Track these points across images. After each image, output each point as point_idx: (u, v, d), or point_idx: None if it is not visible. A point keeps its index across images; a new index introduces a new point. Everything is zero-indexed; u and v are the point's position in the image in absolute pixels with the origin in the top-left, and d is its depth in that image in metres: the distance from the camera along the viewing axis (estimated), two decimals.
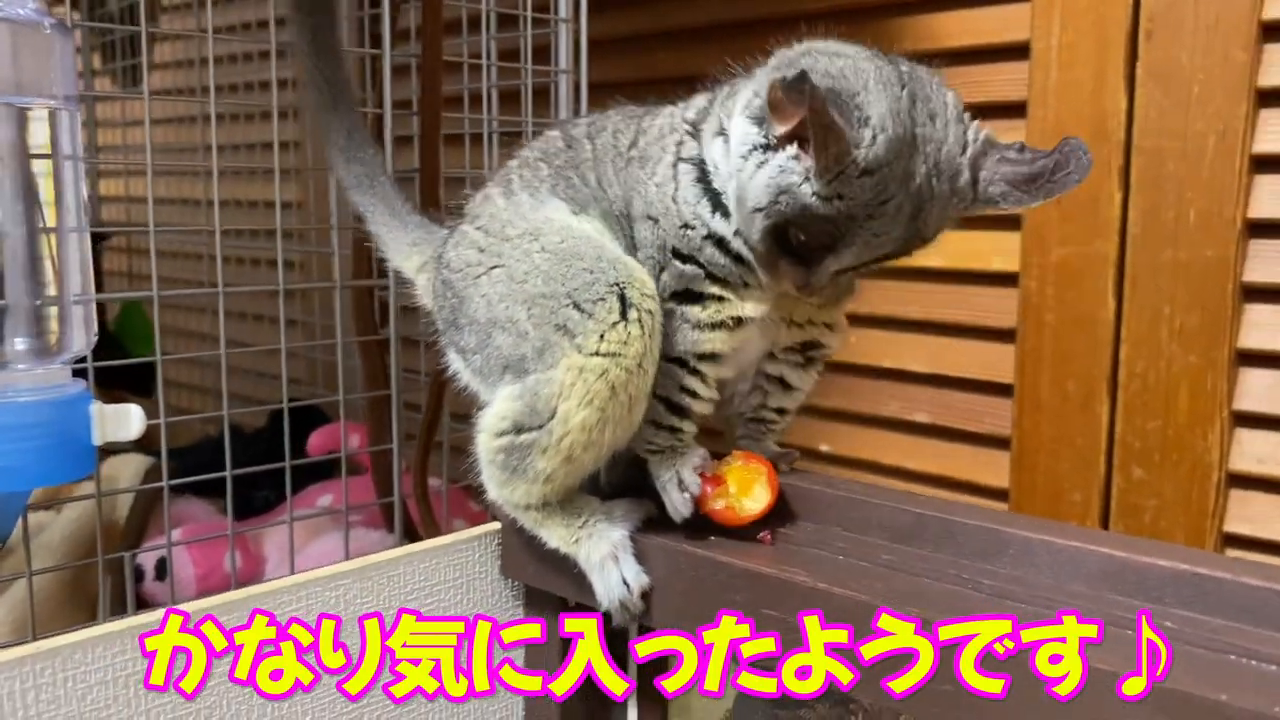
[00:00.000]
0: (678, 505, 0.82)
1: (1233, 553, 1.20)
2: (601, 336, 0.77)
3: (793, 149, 0.72)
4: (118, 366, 1.06)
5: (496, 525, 0.93)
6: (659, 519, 0.84)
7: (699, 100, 0.86)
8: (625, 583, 0.81)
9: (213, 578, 1.23)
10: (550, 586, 0.89)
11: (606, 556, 0.81)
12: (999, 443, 1.36)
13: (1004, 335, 1.34)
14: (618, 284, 0.78)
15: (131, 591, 1.18)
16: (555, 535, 0.84)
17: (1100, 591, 0.68)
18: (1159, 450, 1.22)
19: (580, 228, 0.83)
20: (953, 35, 1.34)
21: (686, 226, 0.80)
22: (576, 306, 0.78)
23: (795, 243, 0.75)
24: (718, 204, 0.80)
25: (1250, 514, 1.18)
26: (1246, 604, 0.63)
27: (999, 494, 1.35)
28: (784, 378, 0.91)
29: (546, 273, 0.80)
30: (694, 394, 0.83)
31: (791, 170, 0.72)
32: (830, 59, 0.74)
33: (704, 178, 0.80)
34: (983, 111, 1.29)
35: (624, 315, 0.78)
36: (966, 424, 1.39)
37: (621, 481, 0.88)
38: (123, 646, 0.73)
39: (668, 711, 0.93)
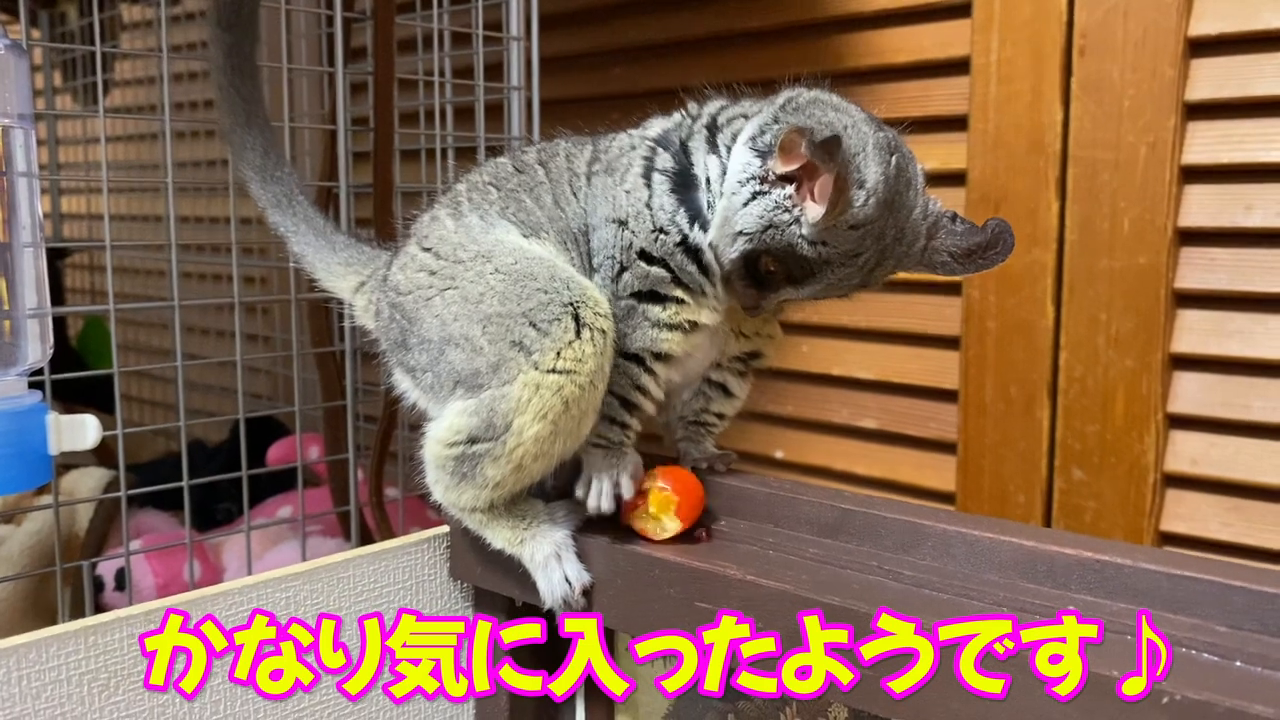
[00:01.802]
0: (603, 502, 0.85)
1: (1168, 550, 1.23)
2: (558, 354, 0.80)
3: (789, 189, 0.78)
4: (80, 384, 1.08)
5: (445, 529, 0.95)
6: (599, 519, 0.87)
7: (659, 122, 0.90)
8: (568, 580, 0.83)
9: (173, 587, 1.25)
10: (497, 587, 0.91)
11: (550, 556, 0.84)
12: (945, 447, 1.39)
13: (948, 342, 1.37)
14: (572, 304, 0.81)
15: (90, 602, 1.20)
16: (500, 536, 0.86)
17: (1012, 579, 0.71)
18: (1098, 452, 1.25)
19: (532, 250, 0.85)
20: (896, 51, 1.38)
21: (660, 231, 0.84)
22: (533, 325, 0.80)
23: (763, 270, 0.81)
24: (696, 215, 0.84)
25: (1185, 513, 1.22)
26: (1141, 587, 0.66)
27: (946, 497, 1.39)
28: (726, 385, 0.95)
29: (502, 293, 0.82)
30: (646, 392, 0.86)
31: (784, 208, 0.78)
32: (838, 115, 0.80)
33: (679, 188, 0.84)
34: (926, 125, 1.35)
35: (578, 334, 0.80)
36: (913, 429, 1.42)
37: (565, 485, 0.91)
38: (76, 646, 0.74)
39: (614, 708, 0.96)
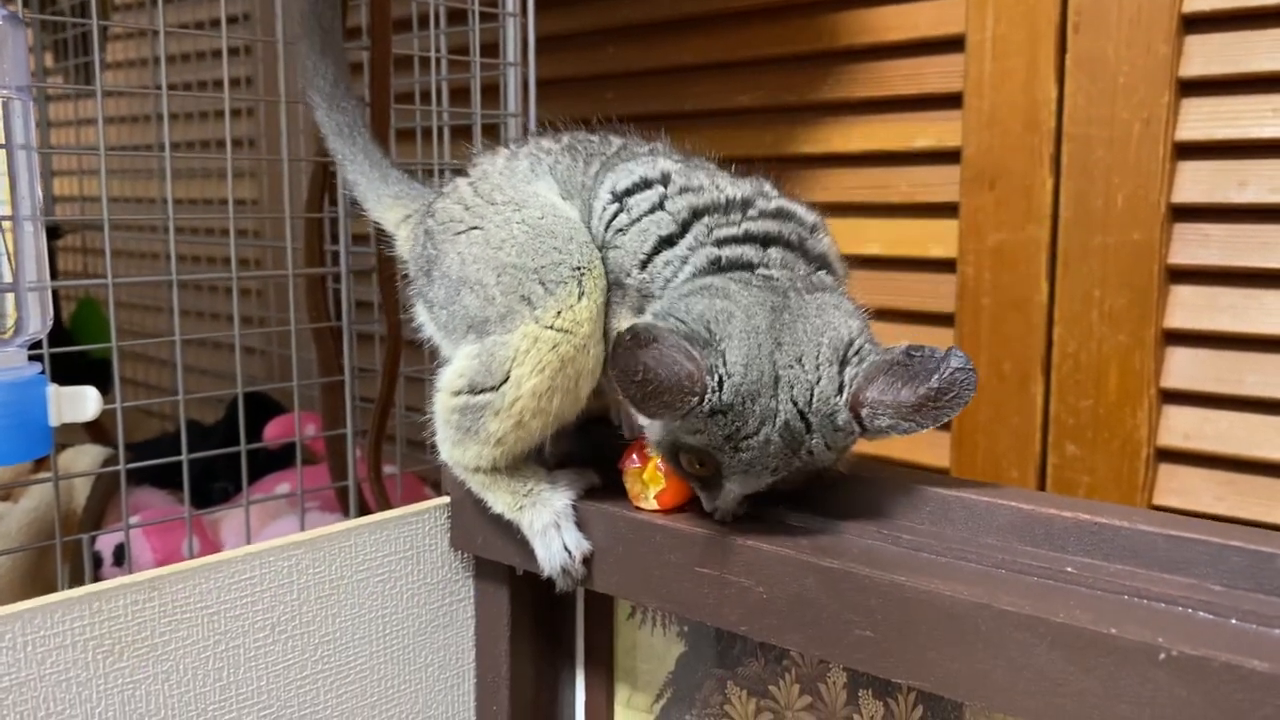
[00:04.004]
0: None
1: None
2: (558, 314, 0.81)
3: None
4: (74, 367, 1.07)
5: (446, 499, 0.96)
6: (600, 488, 0.88)
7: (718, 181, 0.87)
8: (567, 549, 0.84)
9: (171, 563, 1.25)
10: (497, 556, 0.92)
11: (549, 524, 0.85)
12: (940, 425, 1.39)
13: (943, 319, 1.38)
14: (579, 269, 0.82)
15: (90, 577, 1.20)
16: (501, 501, 0.87)
17: (1010, 542, 0.72)
18: (1091, 427, 1.26)
19: (564, 209, 0.87)
20: (890, 29, 1.38)
21: (643, 269, 0.84)
22: (541, 283, 0.82)
23: (689, 467, 0.78)
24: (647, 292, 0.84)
25: (1178, 487, 1.22)
26: (1139, 549, 0.67)
27: (940, 473, 1.39)
28: None
29: (521, 245, 0.83)
30: None
31: None
32: (711, 300, 0.77)
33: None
34: (920, 103, 1.36)
35: (580, 299, 0.82)
36: None
37: (565, 454, 0.91)
38: (81, 612, 0.75)
39: (614, 675, 0.96)
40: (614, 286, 0.84)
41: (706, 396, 0.72)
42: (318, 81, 1.04)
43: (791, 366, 0.74)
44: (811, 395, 0.74)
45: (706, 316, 0.75)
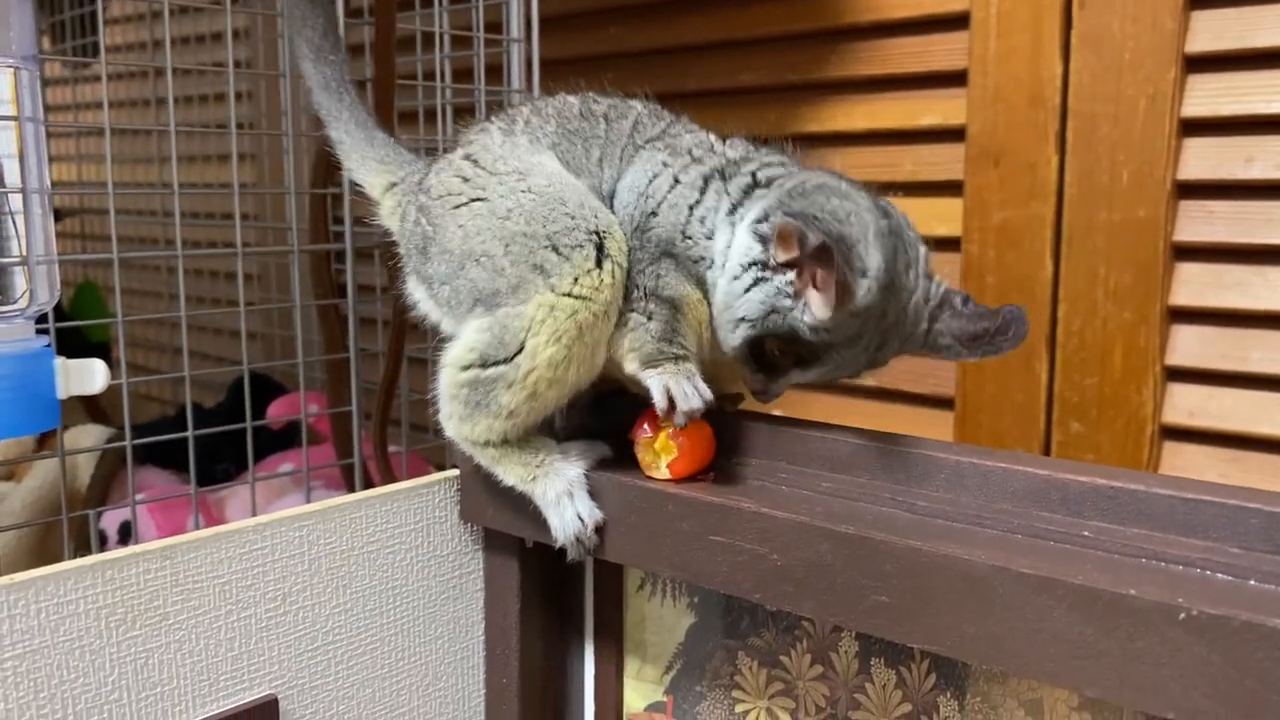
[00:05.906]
0: (693, 401, 0.81)
1: None
2: (575, 280, 0.80)
3: (791, 274, 0.79)
4: (75, 350, 1.07)
5: (455, 471, 0.96)
6: (611, 459, 0.87)
7: (739, 146, 0.91)
8: (580, 518, 0.83)
9: None
10: (508, 528, 0.92)
11: (562, 493, 0.84)
12: (943, 403, 1.39)
13: None
14: (596, 232, 0.81)
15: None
16: (512, 473, 0.86)
17: (1026, 508, 0.72)
18: (1095, 405, 1.26)
19: (569, 177, 0.86)
20: (894, 7, 1.37)
21: (686, 238, 0.84)
22: (555, 249, 0.81)
23: (770, 355, 0.82)
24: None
25: (1182, 464, 1.23)
26: (1155, 513, 0.67)
27: None
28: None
29: (530, 213, 0.82)
30: (686, 330, 0.87)
31: (786, 294, 0.79)
32: (841, 201, 0.79)
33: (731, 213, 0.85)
34: (926, 80, 1.36)
35: (599, 264, 0.81)
36: (912, 385, 1.42)
37: (576, 427, 0.91)
38: (93, 581, 0.75)
39: (623, 647, 0.96)
40: (663, 256, 0.84)
41: (859, 298, 0.76)
42: (306, 32, 1.00)
43: (902, 274, 0.79)
44: (910, 303, 0.80)
45: (840, 216, 0.78)
